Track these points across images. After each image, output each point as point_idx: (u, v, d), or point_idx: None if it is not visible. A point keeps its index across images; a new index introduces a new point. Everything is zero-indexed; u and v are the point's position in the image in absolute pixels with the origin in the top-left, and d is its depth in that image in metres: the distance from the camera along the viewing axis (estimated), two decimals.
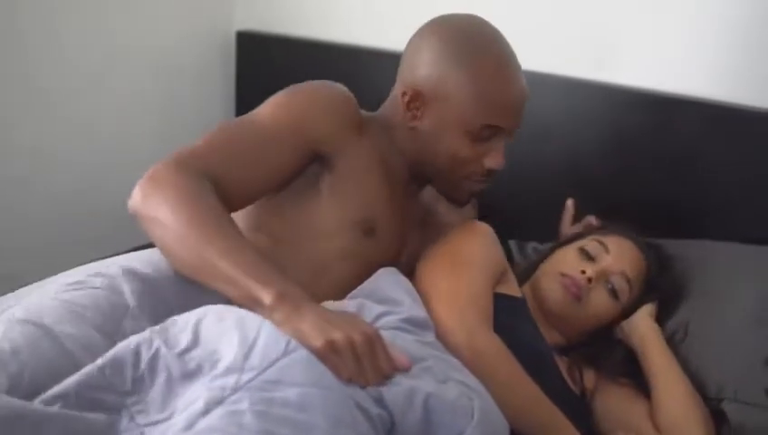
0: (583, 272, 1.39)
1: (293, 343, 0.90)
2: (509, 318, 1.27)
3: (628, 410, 1.36)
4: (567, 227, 1.64)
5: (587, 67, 1.79)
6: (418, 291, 1.24)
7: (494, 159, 1.29)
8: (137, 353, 0.91)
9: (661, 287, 1.47)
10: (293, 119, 1.22)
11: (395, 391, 0.95)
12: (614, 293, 1.41)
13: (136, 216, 1.11)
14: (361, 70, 2.10)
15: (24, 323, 1.01)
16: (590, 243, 1.45)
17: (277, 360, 0.87)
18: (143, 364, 0.90)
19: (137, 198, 1.11)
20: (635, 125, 1.71)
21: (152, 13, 2.20)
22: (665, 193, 1.69)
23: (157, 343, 0.91)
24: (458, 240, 1.33)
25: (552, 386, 1.22)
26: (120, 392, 0.89)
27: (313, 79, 2.15)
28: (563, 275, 1.39)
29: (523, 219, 1.78)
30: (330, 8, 2.20)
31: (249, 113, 1.24)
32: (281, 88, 2.27)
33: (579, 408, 1.31)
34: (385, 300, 1.16)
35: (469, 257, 1.29)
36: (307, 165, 1.24)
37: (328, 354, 0.94)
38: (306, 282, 1.11)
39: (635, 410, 1.35)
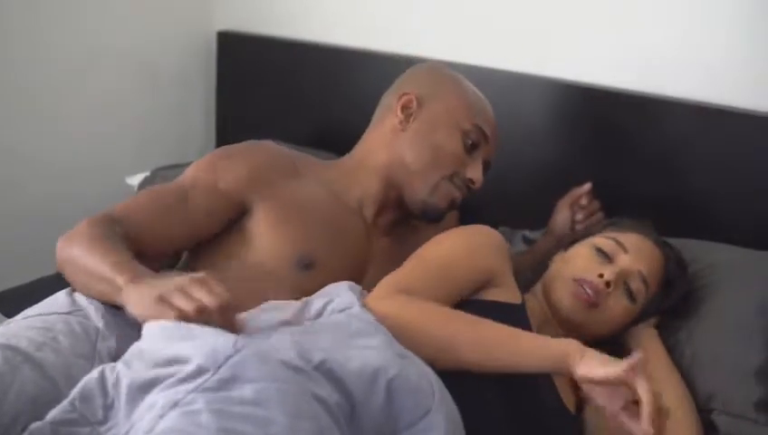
0: (601, 275, 1.27)
1: (242, 340, 0.91)
2: None
3: None
4: (565, 206, 1.58)
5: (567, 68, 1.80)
6: None
7: (473, 171, 1.38)
8: (102, 380, 0.94)
9: (680, 288, 1.38)
10: (207, 176, 1.32)
11: (351, 368, 0.95)
12: (631, 295, 1.31)
13: (60, 268, 1.20)
14: (342, 70, 2.10)
15: (3, 348, 1.02)
16: (604, 241, 1.33)
17: (228, 358, 0.88)
18: (110, 390, 0.93)
19: (58, 252, 1.20)
20: (622, 125, 1.71)
21: (133, 13, 2.19)
22: (651, 193, 1.67)
23: (119, 366, 0.95)
24: (432, 241, 1.29)
25: (546, 402, 1.19)
26: (92, 423, 0.92)
27: (294, 78, 2.18)
28: (580, 280, 1.28)
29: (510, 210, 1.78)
30: (310, 8, 2.20)
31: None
32: (261, 88, 2.28)
33: (572, 426, 1.25)
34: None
35: (430, 255, 1.25)
36: (235, 215, 1.32)
37: (159, 309, 0.98)
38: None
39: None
